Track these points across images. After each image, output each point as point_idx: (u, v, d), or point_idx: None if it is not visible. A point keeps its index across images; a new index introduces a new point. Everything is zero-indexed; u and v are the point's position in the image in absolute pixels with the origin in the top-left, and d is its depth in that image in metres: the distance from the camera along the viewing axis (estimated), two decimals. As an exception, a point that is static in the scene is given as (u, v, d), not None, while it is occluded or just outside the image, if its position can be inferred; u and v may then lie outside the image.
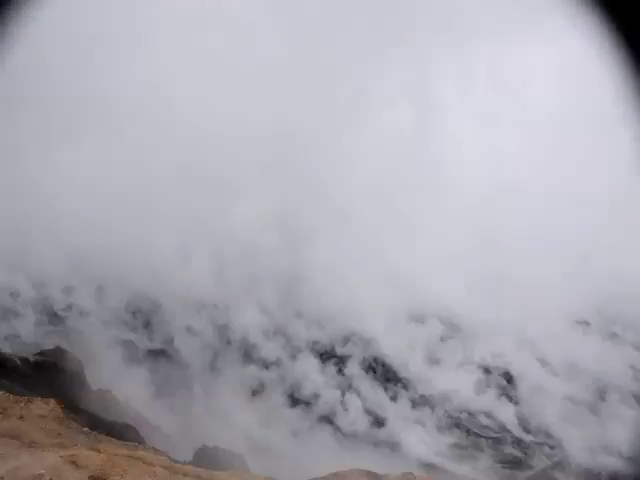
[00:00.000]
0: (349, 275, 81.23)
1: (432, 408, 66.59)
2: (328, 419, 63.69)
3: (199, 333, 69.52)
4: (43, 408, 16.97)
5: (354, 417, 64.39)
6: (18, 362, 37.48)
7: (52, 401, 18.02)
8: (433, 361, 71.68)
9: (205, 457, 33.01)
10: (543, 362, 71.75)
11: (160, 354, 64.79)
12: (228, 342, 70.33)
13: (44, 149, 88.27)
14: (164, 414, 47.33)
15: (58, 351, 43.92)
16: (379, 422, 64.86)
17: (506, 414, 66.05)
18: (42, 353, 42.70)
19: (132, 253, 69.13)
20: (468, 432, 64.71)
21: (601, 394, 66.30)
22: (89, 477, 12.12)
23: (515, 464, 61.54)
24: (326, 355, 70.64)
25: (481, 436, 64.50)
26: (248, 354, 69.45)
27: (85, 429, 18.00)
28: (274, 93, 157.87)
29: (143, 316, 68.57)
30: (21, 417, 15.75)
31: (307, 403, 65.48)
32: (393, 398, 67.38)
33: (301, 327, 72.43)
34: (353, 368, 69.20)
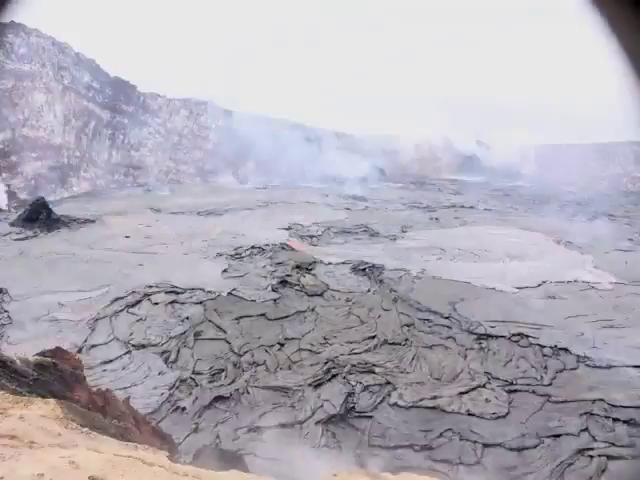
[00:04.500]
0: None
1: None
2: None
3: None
4: (43, 408, 16.89)
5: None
6: (18, 362, 37.34)
7: (52, 401, 17.93)
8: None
9: (205, 457, 32.91)
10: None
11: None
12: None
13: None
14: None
15: (58, 351, 43.79)
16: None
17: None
18: (42, 353, 42.53)
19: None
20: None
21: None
22: (89, 477, 12.07)
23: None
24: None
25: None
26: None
27: (85, 429, 17.90)
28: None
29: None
30: (21, 417, 15.67)
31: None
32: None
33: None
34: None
